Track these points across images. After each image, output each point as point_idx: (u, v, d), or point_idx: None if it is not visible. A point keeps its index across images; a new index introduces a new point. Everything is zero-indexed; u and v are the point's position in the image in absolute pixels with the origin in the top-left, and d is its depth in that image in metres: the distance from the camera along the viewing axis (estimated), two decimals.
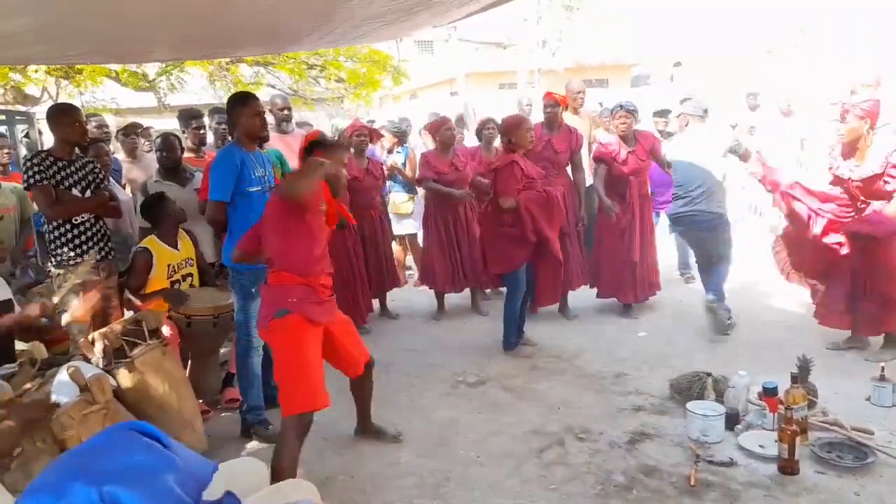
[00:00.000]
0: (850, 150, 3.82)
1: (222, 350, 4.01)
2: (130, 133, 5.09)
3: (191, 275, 3.75)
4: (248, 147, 3.28)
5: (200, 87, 13.34)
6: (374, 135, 5.48)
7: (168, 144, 4.16)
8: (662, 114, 6.13)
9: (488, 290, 5.67)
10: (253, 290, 3.21)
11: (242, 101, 3.29)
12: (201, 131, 4.79)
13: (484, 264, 4.56)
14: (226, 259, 3.31)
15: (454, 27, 14.24)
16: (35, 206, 4.10)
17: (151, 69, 11.44)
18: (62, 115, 3.55)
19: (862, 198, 3.83)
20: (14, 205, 4.47)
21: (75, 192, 3.56)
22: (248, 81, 13.04)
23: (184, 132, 4.81)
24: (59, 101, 9.39)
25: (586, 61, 20.68)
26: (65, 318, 3.48)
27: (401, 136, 6.20)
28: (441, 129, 5.17)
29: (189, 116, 4.83)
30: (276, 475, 2.33)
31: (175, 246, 3.70)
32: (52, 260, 3.57)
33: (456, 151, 5.23)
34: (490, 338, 4.78)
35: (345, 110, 14.79)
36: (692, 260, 5.75)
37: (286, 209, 2.65)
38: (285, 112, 5.10)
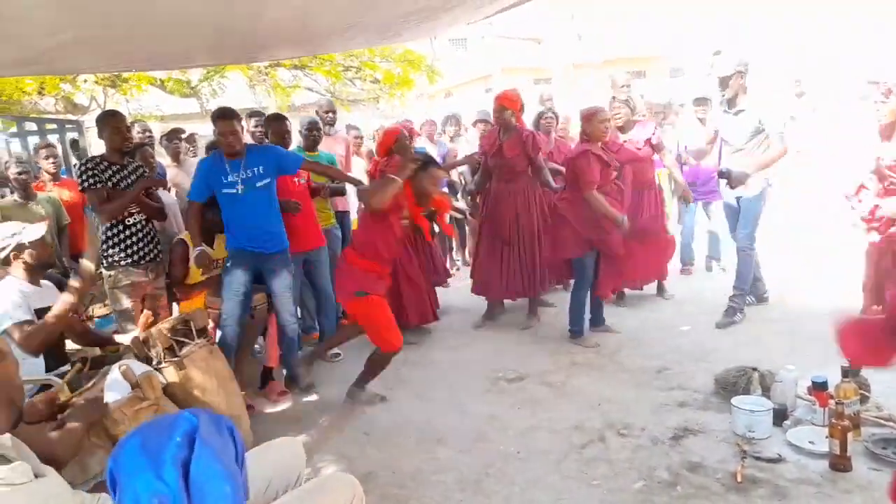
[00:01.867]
0: (891, 130, 3.69)
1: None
2: (174, 138, 5.22)
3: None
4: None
5: (241, 91, 13.61)
6: (413, 133, 5.68)
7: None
8: (702, 101, 6.00)
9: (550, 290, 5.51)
10: (228, 264, 3.67)
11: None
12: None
13: (551, 251, 4.60)
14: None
15: (489, 23, 14.18)
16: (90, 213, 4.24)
17: (195, 76, 11.72)
18: (105, 122, 3.69)
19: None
20: (50, 214, 4.61)
21: None
22: (287, 85, 13.25)
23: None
24: (107, 109, 9.70)
25: (622, 54, 20.37)
26: (117, 317, 3.61)
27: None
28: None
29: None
30: (372, 375, 3.67)
31: (210, 244, 3.81)
32: (104, 262, 3.69)
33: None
34: (529, 334, 4.77)
35: (381, 111, 14.88)
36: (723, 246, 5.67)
37: (371, 212, 3.47)
38: (329, 115, 5.26)
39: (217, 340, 3.45)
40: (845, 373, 2.95)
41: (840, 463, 2.58)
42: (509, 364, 4.13)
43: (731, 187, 4.33)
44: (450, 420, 3.41)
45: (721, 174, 4.31)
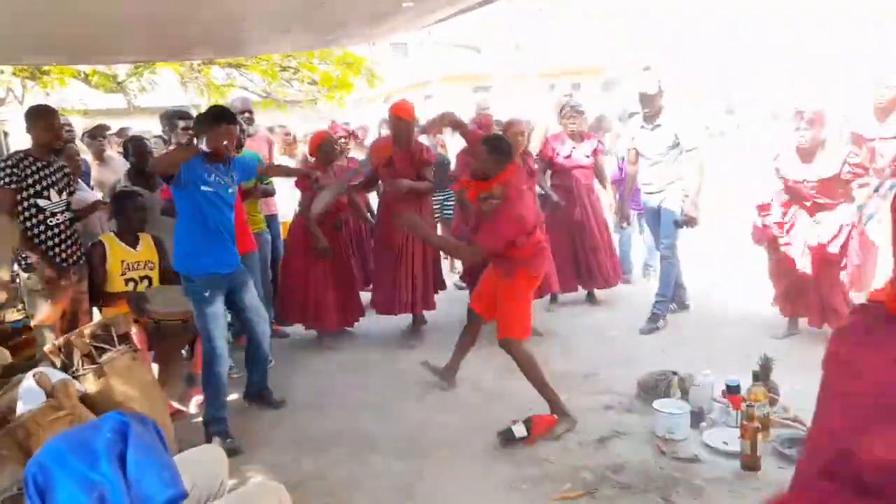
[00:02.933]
0: (810, 154, 3.96)
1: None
2: (97, 135, 5.00)
3: (149, 278, 3.71)
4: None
5: (172, 89, 13.19)
6: (353, 136, 5.66)
7: (138, 149, 4.12)
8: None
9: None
10: (206, 294, 3.21)
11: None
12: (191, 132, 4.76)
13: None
14: (176, 265, 3.37)
15: (428, 32, 14.27)
16: None
17: (121, 70, 11.27)
18: (37, 117, 3.52)
19: (817, 198, 4.02)
20: None
21: (52, 193, 3.51)
22: (221, 83, 12.91)
23: (166, 135, 4.71)
24: (25, 102, 9.19)
25: (560, 65, 20.88)
26: (34, 322, 3.43)
27: None
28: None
29: (177, 117, 4.73)
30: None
31: (133, 245, 3.68)
32: (22, 263, 3.51)
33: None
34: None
35: (319, 113, 14.71)
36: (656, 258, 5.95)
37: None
38: (246, 115, 5.00)
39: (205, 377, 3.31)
40: (756, 377, 3.14)
41: (750, 462, 2.75)
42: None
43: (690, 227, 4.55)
44: (382, 426, 3.42)
45: (677, 224, 4.55)
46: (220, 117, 3.27)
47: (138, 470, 1.27)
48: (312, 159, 4.84)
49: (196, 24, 3.31)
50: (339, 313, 4.73)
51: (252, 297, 3.53)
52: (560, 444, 3.10)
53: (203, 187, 3.25)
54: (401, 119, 4.52)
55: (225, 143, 3.22)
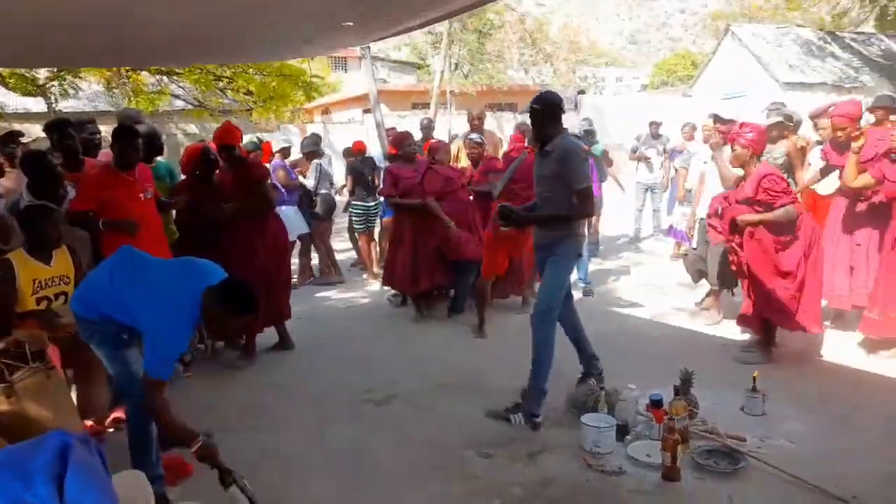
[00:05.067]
0: (745, 174, 4.34)
1: None
2: (9, 142, 4.73)
3: (65, 293, 3.48)
4: None
5: (97, 94, 12.68)
6: (266, 150, 6.53)
7: (39, 165, 3.85)
8: (575, 138, 6.50)
9: None
10: (125, 336, 2.77)
11: None
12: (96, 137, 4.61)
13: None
14: (73, 304, 2.86)
15: (367, 46, 14.31)
16: None
17: (42, 73, 10.77)
18: None
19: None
20: None
21: None
22: (151, 90, 12.52)
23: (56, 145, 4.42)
24: None
25: (496, 85, 21.33)
26: None
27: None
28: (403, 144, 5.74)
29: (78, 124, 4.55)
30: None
31: (47, 261, 3.42)
32: None
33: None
34: (398, 354, 4.83)
35: (254, 124, 14.46)
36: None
37: None
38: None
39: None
40: (677, 391, 3.30)
41: (671, 474, 2.88)
42: (377, 386, 4.16)
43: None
44: (315, 447, 3.38)
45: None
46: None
47: (77, 494, 1.22)
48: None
49: (116, 33, 3.24)
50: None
51: None
52: (492, 460, 3.15)
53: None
54: (225, 147, 4.62)
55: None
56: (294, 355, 4.87)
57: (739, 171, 4.92)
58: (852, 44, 20.47)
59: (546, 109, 3.52)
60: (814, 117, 5.94)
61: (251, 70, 12.04)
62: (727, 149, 5.31)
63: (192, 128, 16.18)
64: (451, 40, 19.03)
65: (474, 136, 6.01)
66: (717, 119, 5.61)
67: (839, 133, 4.67)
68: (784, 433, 3.29)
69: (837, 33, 20.67)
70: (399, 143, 5.87)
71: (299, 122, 18.14)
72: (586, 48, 28.08)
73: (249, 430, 3.57)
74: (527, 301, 5.66)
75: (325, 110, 24.60)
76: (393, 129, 9.59)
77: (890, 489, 2.74)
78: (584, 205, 3.53)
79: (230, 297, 2.57)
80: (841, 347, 4.48)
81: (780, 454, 3.05)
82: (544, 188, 3.64)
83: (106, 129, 4.74)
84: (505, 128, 14.87)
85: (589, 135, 7.35)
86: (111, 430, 3.51)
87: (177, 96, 14.14)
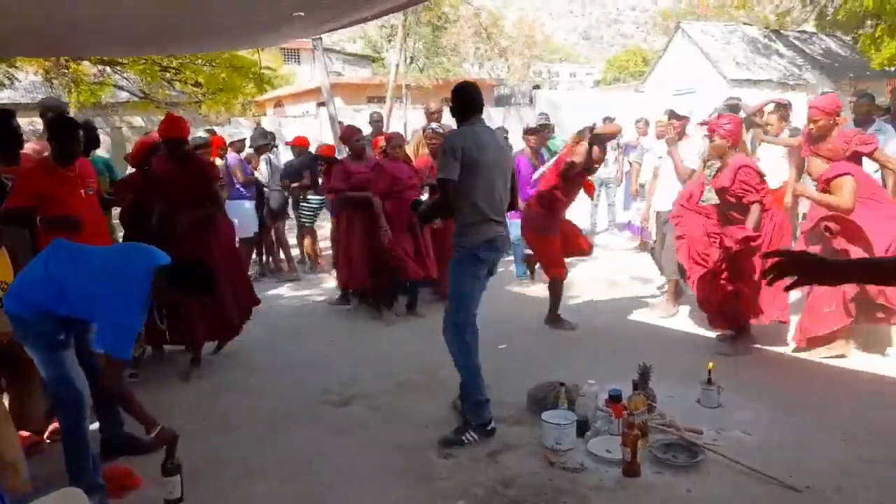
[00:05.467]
0: (722, 165, 4.42)
1: None
2: None
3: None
4: None
5: (33, 83, 12.09)
6: (216, 143, 6.35)
7: None
8: (533, 132, 6.52)
9: None
10: (61, 337, 2.65)
11: None
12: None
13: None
14: (6, 302, 2.72)
15: (320, 37, 14.05)
16: None
17: None
18: None
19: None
20: None
21: None
22: (93, 81, 12.01)
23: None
24: None
25: (452, 79, 21.26)
26: None
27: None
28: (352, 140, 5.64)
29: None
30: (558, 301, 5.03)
31: None
32: None
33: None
34: (356, 354, 4.75)
35: (202, 116, 14.03)
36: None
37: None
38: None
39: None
40: (635, 385, 3.32)
41: (631, 469, 2.89)
42: (335, 387, 4.08)
43: None
44: (269, 451, 3.28)
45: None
46: None
47: None
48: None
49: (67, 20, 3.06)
50: (208, 325, 4.41)
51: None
52: (454, 461, 3.12)
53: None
54: (173, 141, 4.27)
55: None
56: (246, 355, 4.73)
57: (694, 166, 5.00)
58: (795, 42, 21.21)
59: (455, 100, 3.38)
60: (748, 115, 6.14)
61: (200, 60, 11.67)
62: (682, 143, 5.43)
63: (139, 121, 15.62)
64: (407, 33, 18.86)
65: (434, 125, 5.96)
66: (671, 115, 5.70)
67: (812, 126, 4.74)
68: (739, 424, 3.36)
69: (782, 32, 21.37)
70: (347, 138, 5.77)
71: (251, 115, 17.71)
72: (541, 43, 28.34)
73: (198, 434, 3.43)
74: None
75: (278, 103, 24.11)
76: (341, 123, 9.48)
77: (843, 478, 2.81)
78: (440, 197, 3.42)
79: (185, 275, 2.58)
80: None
81: (736, 446, 3.11)
82: None
83: (25, 123, 4.48)
84: None
85: (545, 129, 7.37)
86: (48, 441, 3.34)
87: (121, 87, 13.61)
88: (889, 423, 3.30)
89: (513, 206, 3.58)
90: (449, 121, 5.99)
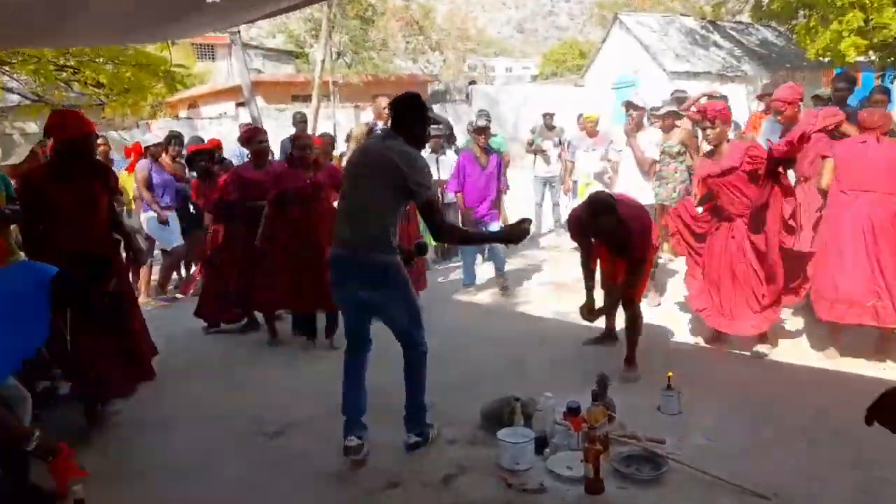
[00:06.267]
0: (714, 152, 4.54)
1: None
2: None
3: None
4: None
5: None
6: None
7: None
8: (481, 130, 6.44)
9: None
10: None
11: None
12: None
13: None
14: None
15: (238, 29, 13.71)
16: None
17: None
18: None
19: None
20: None
21: None
22: None
23: None
24: None
25: (382, 75, 21.19)
26: None
27: None
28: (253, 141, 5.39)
29: None
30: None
31: None
32: None
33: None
34: (293, 378, 4.57)
35: (106, 121, 13.42)
36: None
37: None
38: None
39: None
40: (595, 396, 3.31)
41: (594, 486, 2.87)
42: (267, 415, 3.90)
43: None
44: (198, 490, 3.11)
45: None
46: None
47: None
48: None
49: None
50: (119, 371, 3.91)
51: None
52: (402, 491, 3.02)
53: None
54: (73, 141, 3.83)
55: None
56: (166, 385, 4.47)
57: (655, 156, 5.13)
58: (733, 33, 22.16)
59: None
60: (683, 109, 6.36)
61: (101, 58, 11.13)
62: (641, 134, 5.59)
63: (33, 126, 14.81)
64: (332, 27, 18.68)
65: (381, 125, 5.76)
66: (629, 105, 5.81)
67: (779, 117, 5.12)
68: (702, 431, 3.41)
69: (718, 22, 22.28)
70: (248, 141, 5.53)
71: (162, 117, 17.08)
72: (474, 37, 28.60)
73: (114, 475, 3.21)
74: None
75: (192, 104, 23.40)
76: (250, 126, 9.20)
77: (811, 483, 2.88)
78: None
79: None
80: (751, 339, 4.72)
81: (700, 454, 3.15)
82: None
83: None
84: None
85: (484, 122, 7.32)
86: None
87: (10, 90, 12.85)
88: (849, 422, 3.38)
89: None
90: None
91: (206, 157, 6.42)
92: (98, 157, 5.47)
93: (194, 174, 6.57)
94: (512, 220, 5.29)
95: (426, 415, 3.45)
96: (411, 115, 3.28)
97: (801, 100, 5.03)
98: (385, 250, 3.18)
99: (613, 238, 4.15)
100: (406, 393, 3.39)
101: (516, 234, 3.30)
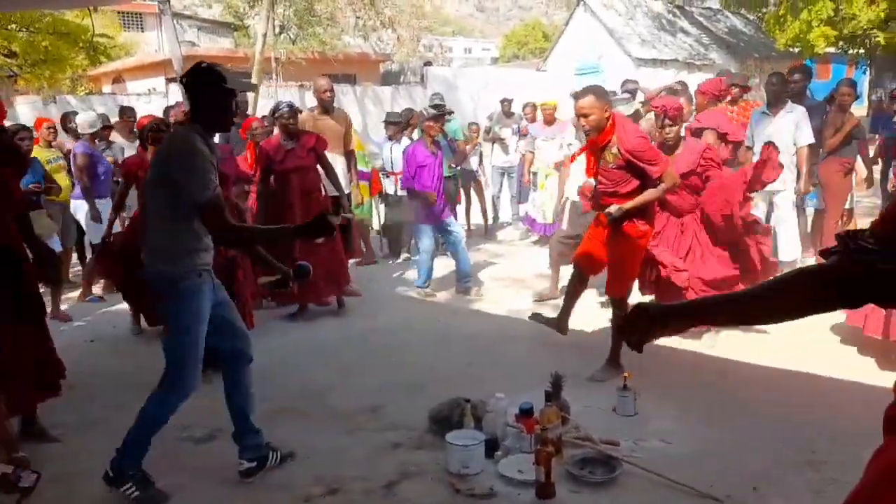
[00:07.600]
0: (671, 149, 4.67)
1: None
2: None
3: None
4: None
5: None
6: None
7: None
8: (436, 119, 6.35)
9: None
10: None
11: None
12: None
13: None
14: None
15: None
16: None
17: None
18: None
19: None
20: None
21: None
22: None
23: None
24: None
25: (330, 53, 20.97)
26: None
27: None
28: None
29: None
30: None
31: None
32: None
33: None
34: (217, 383, 4.52)
35: (19, 93, 12.97)
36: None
37: None
38: None
39: None
40: (548, 396, 3.40)
41: (545, 490, 2.95)
42: (196, 418, 3.87)
43: None
44: (120, 499, 3.06)
45: None
46: None
47: None
48: None
49: None
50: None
51: None
52: (343, 497, 3.05)
53: None
54: None
55: None
56: (82, 388, 4.38)
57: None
58: (700, 19, 22.74)
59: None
60: (648, 99, 6.57)
61: (13, 25, 10.76)
62: None
63: None
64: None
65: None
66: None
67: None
68: (657, 432, 3.53)
69: (686, 8, 22.84)
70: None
71: (81, 91, 16.58)
72: (430, 14, 28.53)
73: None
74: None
75: (118, 78, 22.77)
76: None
77: (763, 485, 3.02)
78: None
79: None
80: (707, 338, 4.91)
81: (655, 456, 3.26)
82: None
83: None
84: (343, 102, 14.60)
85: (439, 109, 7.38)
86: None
87: None
88: (802, 424, 3.58)
89: None
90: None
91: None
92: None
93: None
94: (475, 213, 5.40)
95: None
96: (204, 93, 2.88)
97: (720, 94, 5.63)
98: (168, 261, 2.97)
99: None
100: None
101: (314, 227, 2.96)
